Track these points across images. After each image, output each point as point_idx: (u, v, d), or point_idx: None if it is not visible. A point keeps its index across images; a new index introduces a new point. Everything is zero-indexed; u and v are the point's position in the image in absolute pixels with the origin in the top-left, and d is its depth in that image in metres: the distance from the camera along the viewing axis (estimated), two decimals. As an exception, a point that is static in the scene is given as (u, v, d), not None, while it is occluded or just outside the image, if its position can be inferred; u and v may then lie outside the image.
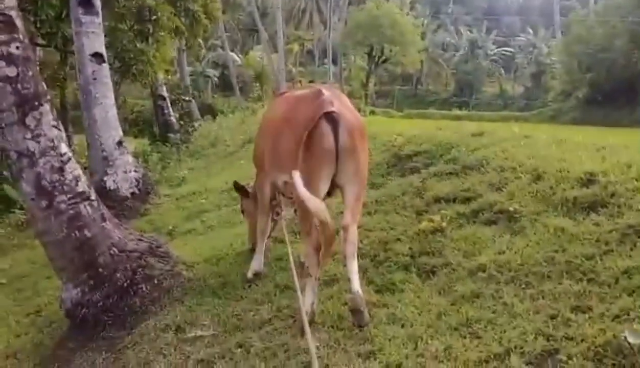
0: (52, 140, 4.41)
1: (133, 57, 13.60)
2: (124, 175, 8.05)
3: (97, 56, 7.91)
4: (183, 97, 20.25)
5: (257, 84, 44.73)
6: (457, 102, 51.31)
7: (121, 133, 8.28)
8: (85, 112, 8.01)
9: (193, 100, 22.64)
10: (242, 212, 5.41)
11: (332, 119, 3.49)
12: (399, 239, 4.50)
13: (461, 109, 46.29)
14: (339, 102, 3.64)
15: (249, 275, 4.62)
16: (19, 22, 4.32)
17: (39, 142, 4.33)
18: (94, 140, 7.97)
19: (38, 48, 17.54)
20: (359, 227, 3.89)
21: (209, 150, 14.32)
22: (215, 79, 47.77)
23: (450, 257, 4.02)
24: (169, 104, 18.18)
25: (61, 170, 4.44)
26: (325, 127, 3.49)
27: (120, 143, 8.12)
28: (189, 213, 7.37)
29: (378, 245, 4.50)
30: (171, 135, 16.26)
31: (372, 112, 41.74)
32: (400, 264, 4.15)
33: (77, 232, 4.45)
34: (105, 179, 7.89)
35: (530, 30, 58.94)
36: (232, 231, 5.89)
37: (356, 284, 3.51)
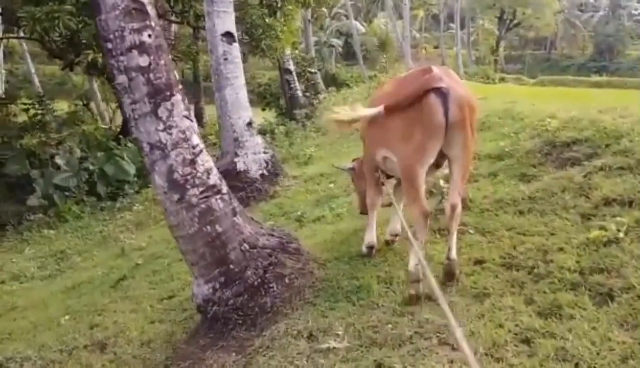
0: (184, 132, 4.26)
1: (262, 32, 13.59)
2: (253, 156, 7.95)
3: (228, 36, 7.79)
4: (309, 69, 20.06)
5: (382, 53, 43.94)
6: (595, 67, 47.06)
7: (251, 113, 8.15)
8: (217, 92, 7.96)
9: (318, 72, 22.47)
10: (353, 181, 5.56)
11: (441, 93, 3.60)
12: (562, 249, 3.84)
13: (601, 74, 42.29)
14: (449, 78, 3.72)
15: (364, 249, 4.76)
16: (151, 9, 4.16)
17: (171, 134, 4.19)
18: (225, 121, 7.92)
19: (173, 24, 18.25)
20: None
21: (335, 125, 13.99)
22: (339, 48, 47.51)
23: (632, 278, 3.32)
24: (296, 78, 18.07)
25: (193, 162, 4.28)
26: (435, 101, 3.60)
27: (250, 124, 8.01)
28: (318, 198, 7.10)
29: (536, 255, 3.89)
30: (297, 111, 16.11)
31: (502, 79, 39.54)
32: (566, 282, 3.51)
33: (208, 227, 4.30)
34: (236, 160, 7.84)
35: (683, -15, 52.53)
36: (363, 223, 5.52)
37: (454, 252, 3.96)
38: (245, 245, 4.41)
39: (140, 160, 13.49)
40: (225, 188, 4.47)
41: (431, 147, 3.68)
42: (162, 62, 4.19)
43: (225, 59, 7.76)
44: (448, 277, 3.96)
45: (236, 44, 7.92)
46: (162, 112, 4.16)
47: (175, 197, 4.24)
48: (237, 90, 7.84)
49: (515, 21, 45.34)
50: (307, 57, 21.31)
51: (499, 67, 45.62)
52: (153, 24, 4.17)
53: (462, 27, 49.20)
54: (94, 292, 6.77)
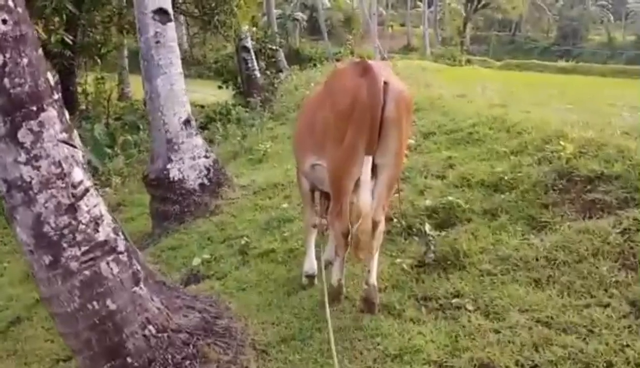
0: (60, 164, 2.88)
1: (215, 6, 12.00)
2: (191, 162, 6.47)
3: (161, 13, 6.23)
4: (269, 46, 18.41)
5: (347, 29, 42.50)
6: (558, 51, 46.70)
7: (189, 109, 6.61)
8: (147, 83, 6.41)
9: (280, 50, 20.82)
10: None
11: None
12: (611, 365, 2.60)
13: (568, 60, 41.79)
14: (387, 72, 3.35)
15: (303, 280, 4.23)
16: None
17: (38, 168, 2.82)
18: (156, 118, 6.40)
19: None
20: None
21: (294, 113, 12.53)
22: (304, 22, 45.72)
23: None
24: (254, 57, 16.42)
25: (73, 209, 2.91)
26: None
27: (187, 122, 6.50)
28: (268, 219, 5.72)
29: (571, 370, 2.63)
30: (252, 99, 14.34)
31: (468, 61, 38.77)
32: None
33: (95, 303, 2.95)
34: (169, 166, 6.37)
35: (647, -29, 52.46)
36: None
37: (374, 277, 3.59)
38: (150, 327, 3.07)
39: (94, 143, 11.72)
40: (122, 245, 3.10)
41: (362, 148, 3.21)
42: (25, 61, 2.78)
43: (157, 42, 6.22)
44: (367, 305, 3.58)
45: (171, 24, 6.37)
46: (24, 135, 2.79)
47: (46, 260, 2.89)
48: (171, 81, 6.32)
49: (483, 2, 44.46)
50: (268, 33, 19.65)
51: (465, 48, 44.79)
52: (11, 4, 2.75)
53: (430, 5, 48.05)
54: (-21, 338, 5.36)
